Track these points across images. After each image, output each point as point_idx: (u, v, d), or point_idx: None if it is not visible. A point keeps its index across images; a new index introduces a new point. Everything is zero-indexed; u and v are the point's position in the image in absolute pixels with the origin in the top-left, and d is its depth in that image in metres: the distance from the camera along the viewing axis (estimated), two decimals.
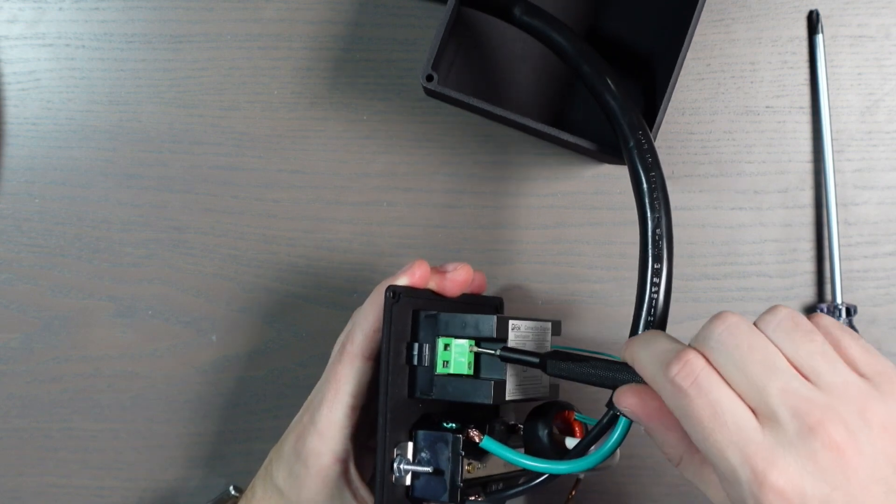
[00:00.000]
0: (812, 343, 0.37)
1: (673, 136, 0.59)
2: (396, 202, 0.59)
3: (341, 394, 0.47)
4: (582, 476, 0.54)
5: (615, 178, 0.59)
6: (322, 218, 0.59)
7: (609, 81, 0.50)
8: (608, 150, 0.52)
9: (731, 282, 0.58)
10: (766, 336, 0.38)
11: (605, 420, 0.44)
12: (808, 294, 0.59)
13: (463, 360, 0.46)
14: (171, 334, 0.59)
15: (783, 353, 0.37)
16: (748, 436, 0.36)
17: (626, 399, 0.41)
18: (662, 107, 0.52)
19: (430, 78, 0.51)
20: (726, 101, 0.59)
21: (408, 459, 0.46)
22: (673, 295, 0.45)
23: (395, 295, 0.46)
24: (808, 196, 0.59)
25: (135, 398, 0.59)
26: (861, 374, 0.37)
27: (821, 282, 0.58)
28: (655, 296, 0.44)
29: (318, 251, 0.59)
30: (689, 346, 0.39)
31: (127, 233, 0.59)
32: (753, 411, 0.36)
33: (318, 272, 0.59)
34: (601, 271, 0.59)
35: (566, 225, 0.59)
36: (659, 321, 0.44)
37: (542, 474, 0.46)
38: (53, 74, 0.59)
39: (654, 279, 0.44)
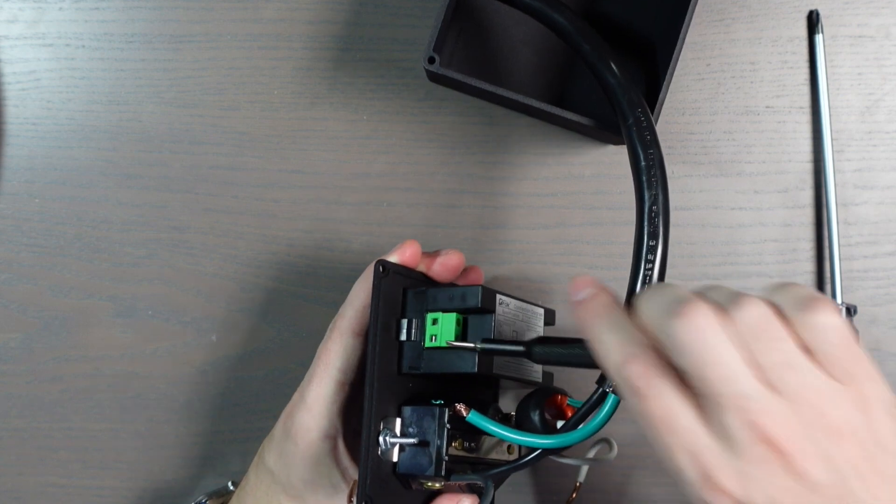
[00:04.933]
0: (779, 352, 0.35)
1: (673, 136, 0.59)
2: (396, 202, 0.59)
3: (330, 368, 0.47)
4: (582, 479, 0.54)
5: (616, 178, 0.59)
6: (322, 218, 0.59)
7: (609, 59, 0.50)
8: (608, 127, 0.52)
9: (731, 282, 0.58)
10: (734, 330, 0.36)
11: (593, 397, 0.43)
12: None
13: (450, 333, 0.46)
14: (171, 334, 0.59)
15: (749, 352, 0.35)
16: (699, 441, 0.35)
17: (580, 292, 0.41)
18: (663, 90, 0.52)
19: (431, 60, 0.51)
20: (726, 101, 0.59)
21: (394, 433, 0.45)
22: None
23: (384, 269, 0.46)
24: (808, 196, 0.59)
25: (135, 398, 0.59)
26: (830, 376, 0.35)
27: (821, 282, 0.58)
28: (650, 273, 0.43)
29: (318, 251, 0.59)
30: (647, 342, 0.37)
31: (127, 233, 0.59)
32: (707, 416, 0.36)
33: (318, 272, 0.59)
34: (601, 271, 0.59)
35: (566, 225, 0.59)
36: None
37: (533, 450, 0.46)
38: (53, 74, 0.59)
39: (649, 256, 0.43)
